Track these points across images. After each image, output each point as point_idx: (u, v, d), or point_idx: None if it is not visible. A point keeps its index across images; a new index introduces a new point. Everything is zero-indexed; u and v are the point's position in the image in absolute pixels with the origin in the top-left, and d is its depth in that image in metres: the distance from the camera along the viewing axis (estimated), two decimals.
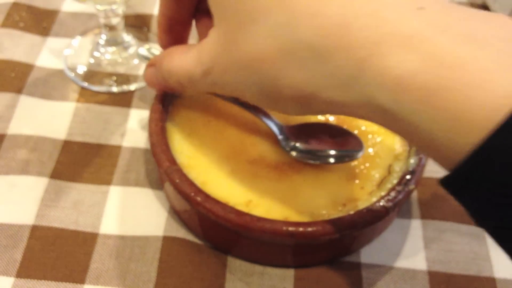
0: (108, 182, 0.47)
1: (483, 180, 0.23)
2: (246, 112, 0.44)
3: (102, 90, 0.54)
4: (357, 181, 0.42)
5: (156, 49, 0.48)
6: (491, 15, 0.26)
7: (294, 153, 0.43)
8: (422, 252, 0.44)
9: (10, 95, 0.52)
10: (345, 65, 0.27)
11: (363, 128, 0.45)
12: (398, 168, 0.43)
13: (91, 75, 0.55)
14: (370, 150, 0.44)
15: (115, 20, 0.54)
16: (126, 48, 0.57)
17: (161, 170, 0.41)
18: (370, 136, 0.45)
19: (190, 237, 0.43)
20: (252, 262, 0.42)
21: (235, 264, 0.42)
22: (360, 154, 0.42)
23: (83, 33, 0.59)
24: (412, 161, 0.42)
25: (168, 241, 0.43)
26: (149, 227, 0.44)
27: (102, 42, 0.56)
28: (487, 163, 0.23)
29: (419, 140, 0.26)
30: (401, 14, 0.26)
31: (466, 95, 0.23)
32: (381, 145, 0.44)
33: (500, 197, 0.23)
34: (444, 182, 0.26)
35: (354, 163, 0.43)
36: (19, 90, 0.53)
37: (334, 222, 0.38)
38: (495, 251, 0.44)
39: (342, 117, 0.46)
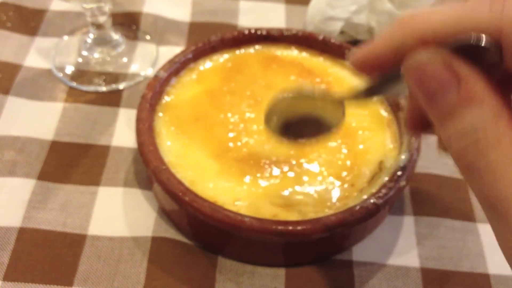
0: (96, 182, 0.46)
1: None
2: (233, 111, 0.44)
3: (90, 90, 0.53)
4: (347, 178, 0.42)
5: None
6: None
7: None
8: (414, 249, 0.43)
9: None
10: None
11: (353, 124, 0.45)
12: (389, 164, 0.42)
13: (80, 74, 0.54)
14: (361, 146, 0.44)
15: (102, 19, 0.53)
16: (114, 46, 0.56)
17: (149, 169, 0.41)
18: (360, 132, 0.44)
19: (179, 237, 0.43)
20: (242, 262, 0.42)
21: (225, 264, 0.42)
22: None
23: (71, 32, 0.58)
24: (403, 157, 0.42)
25: (157, 242, 0.42)
26: (138, 228, 0.43)
27: (90, 41, 0.56)
28: None
29: None
30: None
31: None
32: (371, 142, 0.44)
33: None
34: None
35: (345, 160, 0.43)
36: (6, 91, 0.52)
37: (324, 220, 0.38)
38: (489, 247, 0.43)
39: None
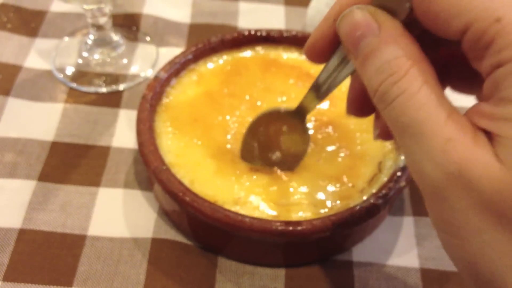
0: (96, 183, 0.46)
1: None
2: (232, 113, 0.45)
3: (90, 91, 0.53)
4: (347, 179, 0.42)
5: None
6: None
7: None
8: (414, 250, 0.43)
9: None
10: None
11: (351, 126, 0.45)
12: (389, 165, 0.42)
13: (80, 75, 0.55)
14: (359, 148, 0.44)
15: (102, 20, 0.53)
16: (114, 48, 0.56)
17: (149, 170, 0.41)
18: (358, 134, 0.44)
19: (179, 238, 0.43)
20: (243, 262, 0.42)
21: (225, 264, 0.42)
22: None
23: (72, 34, 0.59)
24: (402, 157, 0.42)
25: (157, 243, 0.42)
26: (138, 229, 0.43)
27: (90, 42, 0.56)
28: None
29: None
30: None
31: None
32: (370, 143, 0.44)
33: None
34: None
35: (344, 161, 0.43)
36: (6, 92, 0.52)
37: (324, 221, 0.38)
38: None
39: (330, 116, 0.46)
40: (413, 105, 0.25)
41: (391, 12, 0.27)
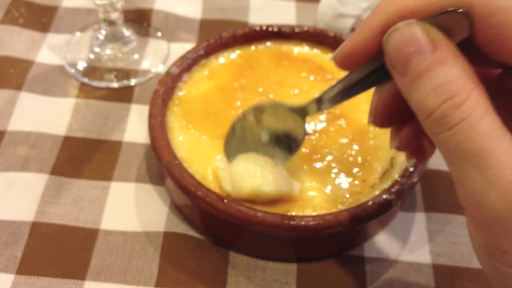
0: (108, 178, 0.46)
1: None
2: (245, 107, 0.45)
3: (102, 86, 0.53)
4: (359, 174, 0.42)
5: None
6: None
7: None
8: (426, 245, 0.43)
9: (10, 92, 0.52)
10: None
11: (364, 120, 0.45)
12: (401, 160, 0.42)
13: (91, 70, 0.55)
14: (372, 142, 0.44)
15: (114, 15, 0.54)
16: (126, 43, 0.56)
17: (161, 164, 0.41)
18: (371, 128, 0.44)
19: (191, 232, 0.43)
20: (254, 257, 0.42)
21: (237, 259, 0.42)
22: None
23: (83, 29, 0.59)
24: None
25: (169, 237, 0.42)
26: (150, 223, 0.43)
27: (102, 37, 0.56)
28: None
29: None
30: None
31: None
32: (383, 138, 0.44)
33: None
34: None
35: (356, 156, 0.43)
36: (19, 87, 0.52)
37: (336, 216, 0.38)
38: None
39: (343, 109, 0.46)
40: (478, 133, 0.24)
41: (447, 31, 0.26)
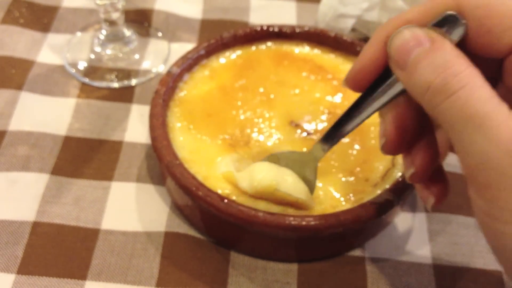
0: (109, 178, 0.46)
1: None
2: (246, 107, 0.44)
3: (103, 86, 0.53)
4: (360, 173, 0.42)
5: None
6: None
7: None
8: (427, 246, 0.43)
9: (11, 92, 0.52)
10: None
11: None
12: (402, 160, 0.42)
13: (92, 70, 0.55)
14: (373, 142, 0.44)
15: (115, 15, 0.54)
16: (126, 43, 0.56)
17: (162, 165, 0.41)
18: (372, 128, 0.44)
19: (192, 232, 0.43)
20: (255, 257, 0.42)
21: (238, 259, 0.42)
22: None
23: (84, 29, 0.59)
24: None
25: (170, 237, 0.42)
26: (151, 223, 0.43)
27: (102, 37, 0.56)
28: None
29: None
30: None
31: None
32: None
33: None
34: None
35: (358, 155, 0.43)
36: (19, 87, 0.52)
37: (338, 215, 0.38)
38: None
39: (344, 109, 0.46)
40: (478, 98, 0.26)
41: (445, 35, 0.28)
